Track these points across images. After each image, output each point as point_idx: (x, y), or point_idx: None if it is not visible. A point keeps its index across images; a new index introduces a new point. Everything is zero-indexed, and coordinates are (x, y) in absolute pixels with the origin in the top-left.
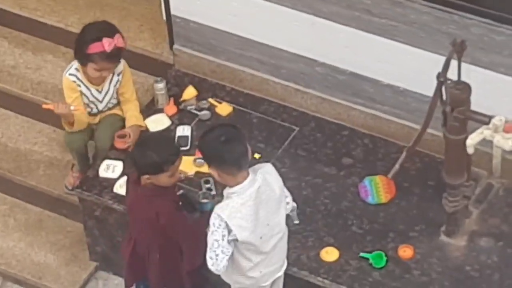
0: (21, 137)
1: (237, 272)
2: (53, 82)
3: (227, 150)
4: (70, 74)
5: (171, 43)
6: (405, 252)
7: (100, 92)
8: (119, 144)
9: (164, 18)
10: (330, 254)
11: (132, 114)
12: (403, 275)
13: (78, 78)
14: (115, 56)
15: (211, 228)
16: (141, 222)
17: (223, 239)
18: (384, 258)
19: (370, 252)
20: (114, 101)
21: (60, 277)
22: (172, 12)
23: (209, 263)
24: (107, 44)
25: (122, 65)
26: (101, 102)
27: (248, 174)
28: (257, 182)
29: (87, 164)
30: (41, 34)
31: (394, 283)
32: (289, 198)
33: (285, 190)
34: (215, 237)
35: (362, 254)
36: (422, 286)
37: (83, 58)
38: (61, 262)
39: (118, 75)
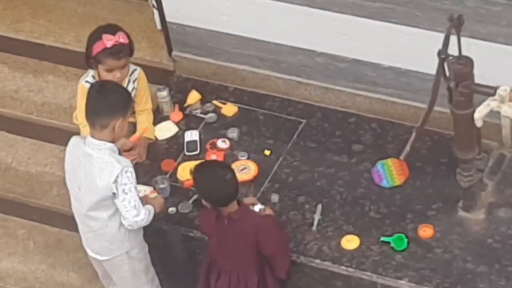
0: (31, 160)
1: None
2: (56, 102)
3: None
4: (86, 82)
5: (170, 50)
6: (425, 231)
7: None
8: (125, 156)
9: (159, 26)
10: (351, 242)
11: (142, 126)
12: (426, 255)
13: None
14: (118, 52)
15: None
16: (237, 250)
17: None
18: (405, 240)
19: (390, 236)
20: None
21: None
22: (167, 19)
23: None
24: (107, 40)
25: (138, 72)
26: None
27: None
28: None
29: None
30: (39, 56)
31: (418, 264)
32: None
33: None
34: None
35: (382, 238)
36: (446, 264)
37: (92, 63)
38: (84, 279)
39: (133, 82)
